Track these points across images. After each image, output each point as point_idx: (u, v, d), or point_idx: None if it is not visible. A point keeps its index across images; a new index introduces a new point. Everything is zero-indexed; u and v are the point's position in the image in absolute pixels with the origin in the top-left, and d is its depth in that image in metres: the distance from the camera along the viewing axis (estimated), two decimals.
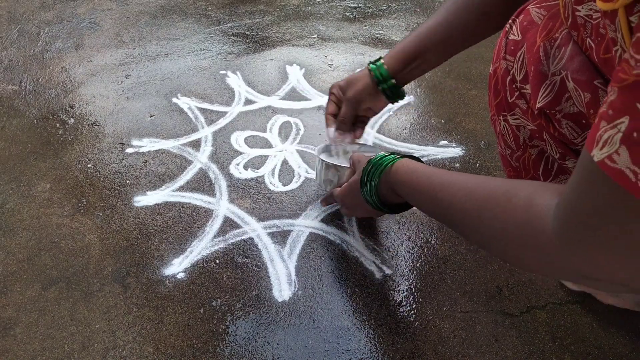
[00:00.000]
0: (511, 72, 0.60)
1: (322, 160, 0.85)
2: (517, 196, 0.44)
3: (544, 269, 0.44)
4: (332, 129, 0.90)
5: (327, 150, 0.93)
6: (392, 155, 0.68)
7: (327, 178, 0.86)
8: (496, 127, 0.68)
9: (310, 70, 1.37)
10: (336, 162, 0.85)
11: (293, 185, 1.00)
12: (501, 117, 0.65)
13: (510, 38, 0.60)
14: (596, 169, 0.34)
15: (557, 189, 0.42)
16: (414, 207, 0.68)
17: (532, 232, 0.42)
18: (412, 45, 0.81)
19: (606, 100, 0.34)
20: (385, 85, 0.83)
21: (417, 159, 0.67)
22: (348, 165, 0.81)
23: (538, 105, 0.54)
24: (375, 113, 0.91)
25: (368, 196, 0.70)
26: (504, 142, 0.67)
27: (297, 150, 1.09)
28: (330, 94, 0.90)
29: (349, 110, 0.88)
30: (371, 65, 0.84)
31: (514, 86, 0.59)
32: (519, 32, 0.58)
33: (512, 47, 0.59)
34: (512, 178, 0.70)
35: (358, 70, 0.90)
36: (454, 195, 0.52)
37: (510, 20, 0.61)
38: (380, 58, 0.85)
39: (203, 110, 1.21)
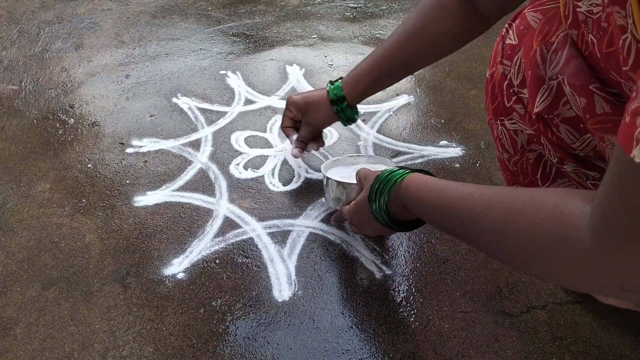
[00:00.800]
0: (508, 77, 0.59)
1: (328, 177, 0.84)
2: (543, 205, 0.41)
3: (581, 283, 0.41)
4: (295, 150, 0.96)
5: (334, 165, 0.92)
6: (401, 170, 0.65)
7: (335, 196, 0.84)
8: (494, 131, 0.68)
9: (310, 70, 1.37)
10: (343, 179, 0.83)
11: (293, 185, 1.00)
12: (499, 122, 0.64)
13: (506, 42, 0.60)
14: (639, 169, 0.31)
15: (587, 195, 0.39)
16: (427, 223, 0.65)
17: (565, 243, 0.39)
18: (369, 72, 0.85)
19: (637, 94, 0.32)
20: (344, 115, 0.90)
21: (428, 173, 0.64)
22: (355, 182, 0.78)
23: (536, 110, 0.54)
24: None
25: (377, 214, 0.67)
26: (501, 147, 0.67)
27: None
28: (287, 109, 0.95)
29: (310, 134, 0.95)
30: (331, 91, 0.89)
31: (511, 90, 0.59)
32: (516, 37, 0.58)
33: (509, 52, 0.59)
34: (510, 182, 0.70)
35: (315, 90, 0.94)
36: (472, 208, 0.49)
37: (506, 25, 0.61)
38: (337, 81, 0.89)
39: (203, 110, 1.21)
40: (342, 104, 0.88)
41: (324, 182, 0.86)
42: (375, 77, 0.84)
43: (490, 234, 0.47)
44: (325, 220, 0.92)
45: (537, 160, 0.62)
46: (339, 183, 0.82)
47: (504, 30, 0.61)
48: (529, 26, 0.56)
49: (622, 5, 0.37)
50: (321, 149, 1.09)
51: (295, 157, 0.98)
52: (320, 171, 0.91)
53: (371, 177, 0.69)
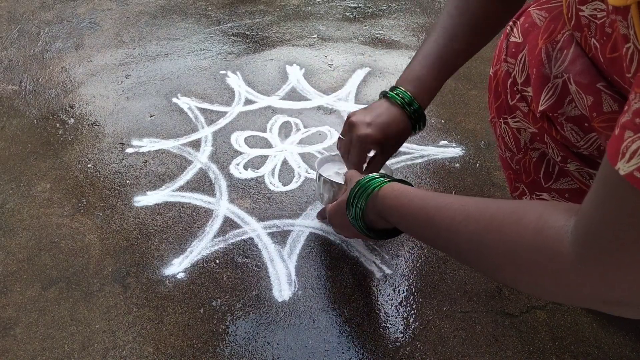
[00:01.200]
0: (512, 75, 0.59)
1: (319, 174, 0.83)
2: (525, 217, 0.41)
3: (564, 295, 0.40)
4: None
5: (331, 160, 0.89)
6: (381, 178, 0.62)
7: (322, 192, 0.83)
8: (496, 129, 0.67)
9: (310, 70, 1.37)
10: (338, 179, 0.82)
11: (293, 185, 1.00)
12: (502, 120, 0.64)
13: (511, 40, 0.59)
14: (623, 182, 0.31)
15: (570, 208, 0.39)
16: (404, 234, 0.64)
17: (548, 256, 0.38)
18: (432, 78, 0.73)
19: (628, 109, 0.32)
20: (417, 124, 0.75)
21: (408, 183, 0.62)
22: (342, 182, 0.75)
23: (540, 108, 0.53)
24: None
25: (353, 220, 0.65)
26: (504, 145, 0.67)
27: (297, 151, 1.09)
28: (365, 148, 0.74)
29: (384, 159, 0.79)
30: (406, 107, 0.73)
31: (515, 89, 0.59)
32: (520, 34, 0.57)
33: (513, 50, 0.58)
34: (512, 181, 0.69)
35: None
36: (452, 219, 0.48)
37: (510, 22, 0.61)
38: (404, 92, 0.73)
39: (203, 110, 1.21)
40: (413, 105, 0.73)
41: (316, 176, 0.85)
42: (435, 71, 0.73)
43: (470, 244, 0.46)
44: (325, 220, 0.92)
45: (540, 158, 0.61)
46: (325, 181, 0.81)
47: (508, 28, 0.60)
48: (534, 24, 0.56)
49: (624, 15, 0.37)
50: (321, 148, 1.10)
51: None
52: (314, 163, 0.88)
53: (353, 180, 0.66)
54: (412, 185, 0.61)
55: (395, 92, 0.73)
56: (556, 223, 0.38)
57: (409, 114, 0.72)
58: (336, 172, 0.86)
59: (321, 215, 0.87)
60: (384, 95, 0.75)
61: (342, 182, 0.76)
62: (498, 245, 0.43)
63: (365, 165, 0.77)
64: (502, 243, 0.42)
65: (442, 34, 0.72)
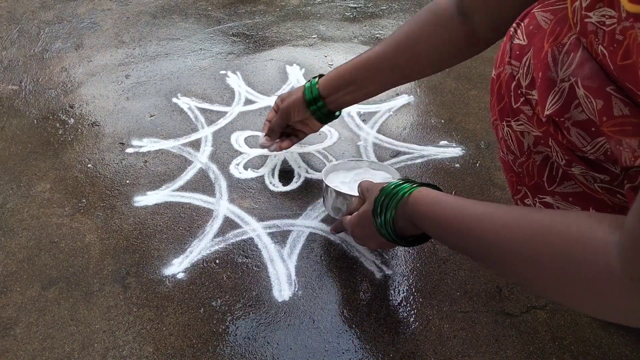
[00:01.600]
0: (516, 78, 0.58)
1: (327, 186, 0.82)
2: (568, 229, 0.40)
3: (614, 313, 0.39)
4: (262, 134, 0.97)
5: (334, 170, 0.89)
6: (408, 184, 0.62)
7: (335, 206, 0.82)
8: (498, 132, 0.66)
9: (310, 70, 1.37)
10: (344, 185, 0.82)
11: (293, 185, 1.00)
12: (504, 123, 0.63)
13: (515, 42, 0.58)
14: None
15: (615, 221, 0.38)
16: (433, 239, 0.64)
17: (594, 271, 0.37)
18: (350, 72, 0.83)
19: None
20: (315, 106, 0.88)
21: (435, 187, 0.62)
22: (357, 194, 0.77)
23: (547, 112, 0.52)
24: (312, 130, 0.97)
25: (382, 228, 0.65)
26: (506, 148, 0.66)
27: (297, 151, 1.09)
28: (275, 103, 0.96)
29: (279, 120, 0.94)
30: (306, 82, 0.89)
31: (519, 92, 0.58)
32: (525, 37, 0.56)
33: (518, 52, 0.57)
34: (514, 184, 0.68)
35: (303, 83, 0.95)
36: (491, 229, 0.47)
37: (514, 24, 0.59)
38: (319, 76, 0.88)
39: (203, 110, 1.22)
40: (317, 102, 0.88)
41: (323, 188, 0.85)
42: (351, 78, 0.84)
43: (511, 256, 0.45)
44: (326, 220, 0.92)
45: (544, 162, 0.60)
46: (339, 193, 0.80)
47: (512, 29, 0.59)
48: (539, 26, 0.55)
49: None
50: (321, 148, 1.09)
51: (261, 146, 0.99)
52: (321, 175, 0.89)
53: (375, 190, 0.67)
54: (440, 189, 0.61)
55: (311, 81, 0.88)
56: (600, 237, 0.37)
57: (307, 102, 0.88)
58: (341, 181, 0.85)
59: (336, 229, 0.85)
60: (307, 81, 0.89)
61: (355, 194, 0.77)
62: (541, 257, 0.42)
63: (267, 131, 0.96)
64: (545, 255, 0.41)
65: (380, 45, 0.81)
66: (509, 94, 0.60)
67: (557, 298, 0.44)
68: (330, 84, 0.86)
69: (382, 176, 0.87)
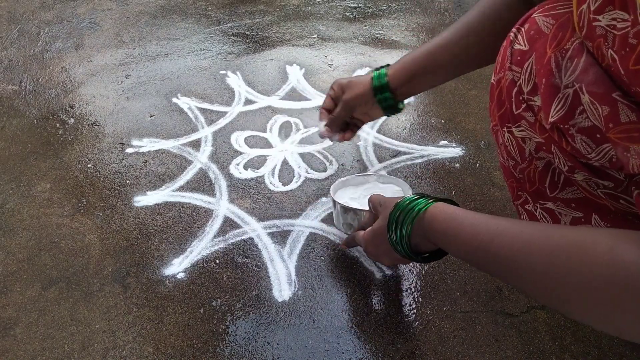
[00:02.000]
0: (517, 84, 0.57)
1: (337, 203, 0.80)
2: (594, 248, 0.39)
3: None
4: (322, 123, 0.90)
5: (342, 186, 0.87)
6: (423, 199, 0.61)
7: (345, 222, 0.81)
8: (498, 138, 0.65)
9: (310, 70, 1.37)
10: (353, 200, 0.81)
11: (293, 185, 1.00)
12: (505, 129, 0.62)
13: (515, 48, 0.57)
14: None
15: None
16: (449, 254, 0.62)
17: (626, 292, 0.36)
18: (420, 60, 0.79)
19: None
20: (382, 95, 0.83)
21: (452, 202, 0.61)
22: (367, 209, 0.75)
23: (551, 119, 0.51)
24: (371, 119, 0.92)
25: (397, 245, 0.63)
26: (507, 154, 0.65)
27: (298, 151, 1.09)
28: (330, 89, 0.89)
29: (343, 112, 0.88)
30: (374, 71, 0.83)
31: (520, 98, 0.57)
32: (526, 42, 0.55)
33: (519, 58, 0.56)
34: (514, 189, 0.67)
35: (365, 71, 0.90)
36: (510, 247, 0.46)
37: (514, 29, 0.58)
38: (386, 66, 0.83)
39: (203, 110, 1.22)
40: (384, 92, 0.83)
41: (333, 205, 0.83)
42: (422, 66, 0.80)
43: (533, 275, 0.44)
44: (325, 220, 0.92)
45: (546, 168, 0.60)
46: (348, 209, 0.79)
47: (512, 34, 0.58)
48: (541, 31, 0.53)
49: None
50: (321, 148, 1.09)
51: (322, 136, 0.92)
52: (330, 192, 0.86)
53: (389, 205, 0.65)
54: (456, 203, 0.60)
55: (378, 70, 0.84)
56: (630, 256, 0.36)
57: (375, 88, 0.83)
58: (350, 197, 0.84)
59: (348, 244, 0.82)
60: (373, 70, 0.85)
61: (366, 209, 0.75)
62: (566, 278, 0.40)
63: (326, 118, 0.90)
64: (570, 276, 0.40)
65: (445, 33, 0.77)
66: (510, 100, 0.59)
67: (583, 318, 0.42)
68: (400, 75, 0.82)
69: (391, 189, 0.85)
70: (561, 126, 0.51)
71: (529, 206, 0.66)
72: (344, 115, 0.88)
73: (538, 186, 0.62)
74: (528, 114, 0.56)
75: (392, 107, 0.86)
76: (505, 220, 0.50)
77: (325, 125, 0.90)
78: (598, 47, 0.45)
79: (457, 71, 0.83)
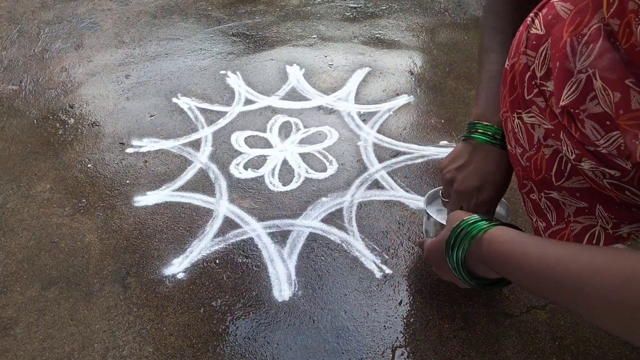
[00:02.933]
0: (531, 68, 0.57)
1: (426, 211, 0.78)
2: None
3: None
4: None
5: (436, 196, 0.82)
6: (486, 222, 0.58)
7: (427, 229, 0.80)
8: (507, 124, 0.65)
9: (310, 70, 1.37)
10: (440, 217, 0.78)
11: (293, 185, 1.00)
12: (515, 115, 0.62)
13: (532, 32, 0.57)
14: None
15: None
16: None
17: None
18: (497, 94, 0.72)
19: None
20: (498, 142, 0.73)
21: (514, 227, 0.58)
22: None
23: (562, 103, 0.51)
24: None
25: (453, 262, 0.61)
26: (515, 141, 0.64)
27: (298, 151, 1.09)
28: (460, 198, 0.74)
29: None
30: (490, 140, 0.72)
31: (533, 82, 0.57)
32: (542, 27, 0.55)
33: (534, 42, 0.56)
34: (521, 177, 0.67)
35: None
36: (580, 273, 0.44)
37: (532, 14, 0.58)
38: (479, 124, 0.73)
39: (203, 110, 1.22)
40: (498, 135, 0.73)
41: (423, 211, 0.80)
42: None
43: (604, 303, 0.42)
44: (325, 220, 0.92)
45: (553, 156, 0.59)
46: (433, 220, 0.77)
47: (529, 19, 0.58)
48: (558, 16, 0.53)
49: None
50: (321, 148, 1.10)
51: None
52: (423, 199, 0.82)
53: (456, 221, 0.62)
54: (520, 229, 0.58)
55: (479, 132, 0.72)
56: None
57: (501, 145, 0.71)
58: (442, 207, 0.81)
59: (419, 244, 0.79)
60: (469, 137, 0.73)
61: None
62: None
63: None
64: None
65: (495, 54, 0.72)
66: (522, 85, 0.59)
67: None
68: (493, 111, 0.73)
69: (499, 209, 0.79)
70: (572, 110, 0.51)
71: (533, 195, 0.66)
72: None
73: (544, 174, 0.62)
74: (539, 99, 0.57)
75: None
76: (570, 245, 0.48)
77: None
78: (628, 24, 0.44)
79: None
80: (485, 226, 0.58)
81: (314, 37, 1.53)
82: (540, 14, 0.57)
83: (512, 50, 0.62)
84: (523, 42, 0.58)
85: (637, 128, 0.44)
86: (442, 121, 1.17)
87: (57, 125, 1.18)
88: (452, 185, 0.74)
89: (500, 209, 0.80)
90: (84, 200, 0.97)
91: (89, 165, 1.05)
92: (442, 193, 0.77)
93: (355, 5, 1.73)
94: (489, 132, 0.72)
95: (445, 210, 0.79)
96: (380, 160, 1.06)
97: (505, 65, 0.63)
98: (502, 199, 0.75)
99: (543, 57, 0.55)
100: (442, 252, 0.64)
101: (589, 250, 0.46)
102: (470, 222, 0.60)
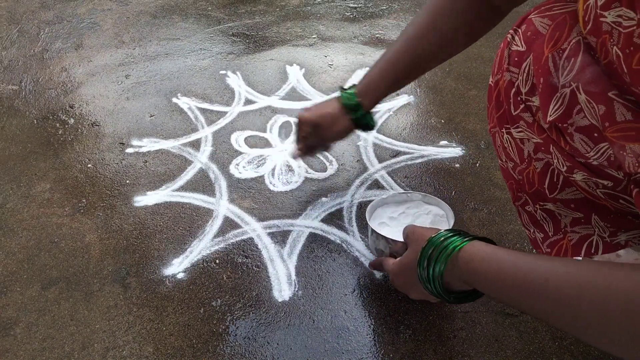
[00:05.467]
0: (516, 84, 0.57)
1: (371, 227, 0.77)
2: None
3: None
4: (297, 153, 0.94)
5: (382, 204, 0.84)
6: (459, 237, 0.58)
7: (377, 247, 0.78)
8: (496, 140, 0.65)
9: (310, 70, 1.37)
10: (387, 230, 0.77)
11: (293, 185, 1.00)
12: (504, 130, 0.62)
13: (513, 49, 0.57)
14: None
15: None
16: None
17: None
18: (387, 80, 0.81)
19: None
20: (363, 122, 0.86)
21: (489, 241, 0.58)
22: (401, 239, 0.71)
23: (549, 118, 0.51)
24: (339, 138, 0.93)
25: (429, 284, 0.60)
26: (505, 155, 0.64)
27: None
28: (300, 129, 0.89)
29: (319, 146, 0.93)
30: (345, 99, 0.84)
31: (518, 98, 0.57)
32: (523, 43, 0.56)
33: (516, 58, 0.57)
34: (515, 190, 0.67)
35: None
36: (559, 289, 0.43)
37: (511, 31, 0.59)
38: (350, 88, 0.85)
39: (203, 110, 1.22)
40: (358, 112, 0.84)
41: (368, 229, 0.79)
42: (391, 81, 0.81)
43: (588, 319, 0.41)
44: (325, 220, 0.92)
45: (545, 168, 0.59)
46: (380, 236, 0.75)
47: (509, 36, 0.59)
48: (538, 32, 0.54)
49: None
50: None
51: (294, 158, 0.98)
52: (366, 211, 0.82)
53: (422, 239, 0.62)
54: (493, 242, 0.57)
55: (344, 91, 0.85)
56: None
57: (348, 109, 0.84)
58: (389, 217, 0.81)
59: (374, 266, 0.80)
60: (339, 89, 0.86)
61: (400, 239, 0.71)
62: (627, 322, 0.38)
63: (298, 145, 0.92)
64: (631, 321, 0.38)
65: (405, 42, 0.79)
66: (508, 101, 0.59)
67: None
68: (370, 97, 0.84)
69: (435, 212, 0.81)
70: (560, 125, 0.51)
71: (529, 207, 0.65)
72: (312, 134, 0.89)
73: (537, 187, 0.62)
74: (526, 115, 0.57)
75: (369, 126, 0.88)
76: (550, 259, 0.47)
77: (298, 149, 0.93)
78: (603, 44, 0.45)
79: (416, 76, 0.85)
80: (459, 243, 0.56)
81: (314, 37, 1.53)
82: (519, 30, 0.57)
83: (494, 67, 0.62)
84: (505, 59, 0.58)
85: (623, 140, 0.44)
86: (442, 121, 1.17)
87: (57, 125, 1.18)
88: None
89: (439, 210, 0.81)
90: (84, 200, 0.97)
91: (89, 165, 1.05)
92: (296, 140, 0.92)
93: (355, 5, 1.73)
94: (346, 94, 0.84)
95: (387, 224, 0.79)
96: (380, 160, 1.06)
97: (490, 82, 0.63)
98: (444, 202, 0.81)
99: (527, 74, 0.55)
100: (411, 274, 0.63)
101: (564, 262, 0.45)
102: (441, 239, 0.58)
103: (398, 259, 0.68)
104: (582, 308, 0.42)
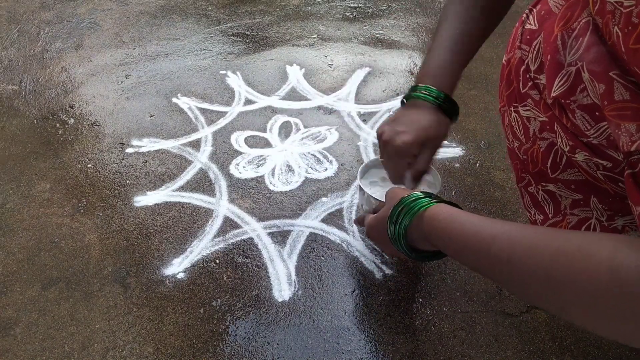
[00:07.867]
0: (525, 62, 0.59)
1: (360, 186, 0.79)
2: (597, 254, 0.38)
3: None
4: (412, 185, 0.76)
5: (375, 166, 0.83)
6: (427, 198, 0.59)
7: (360, 204, 0.81)
8: (505, 118, 0.67)
9: (310, 70, 1.37)
10: (379, 184, 0.79)
11: (293, 185, 1.00)
12: (512, 108, 0.64)
13: (526, 27, 0.60)
14: None
15: None
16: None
17: (627, 299, 0.35)
18: (460, 61, 0.72)
19: None
20: (447, 105, 0.72)
21: (456, 205, 0.58)
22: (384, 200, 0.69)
23: (553, 94, 0.53)
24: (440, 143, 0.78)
25: (395, 239, 0.62)
26: (512, 134, 0.66)
27: (298, 151, 1.09)
28: (405, 156, 0.72)
29: (430, 159, 0.76)
30: (420, 95, 0.71)
31: (527, 76, 0.59)
32: (536, 22, 0.58)
33: (528, 37, 0.59)
34: (519, 171, 0.69)
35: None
36: (511, 250, 0.44)
37: (527, 10, 0.61)
38: (421, 86, 0.71)
39: (203, 110, 1.22)
40: (447, 103, 0.71)
41: (357, 184, 0.80)
42: (464, 61, 0.72)
43: (533, 280, 0.43)
44: (325, 220, 0.92)
45: (548, 148, 0.61)
46: (368, 196, 0.76)
47: (524, 15, 0.61)
48: (551, 11, 0.56)
49: None
50: (321, 148, 1.10)
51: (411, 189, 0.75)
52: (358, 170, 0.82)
53: (396, 198, 0.63)
54: (461, 207, 0.58)
55: (417, 91, 0.71)
56: (632, 262, 0.36)
57: (439, 105, 0.70)
58: (382, 177, 0.81)
59: (359, 222, 0.80)
60: (407, 98, 0.72)
61: (383, 201, 0.70)
62: (567, 284, 0.40)
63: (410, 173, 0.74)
64: (571, 282, 0.39)
65: (455, 19, 0.71)
66: (518, 79, 0.61)
67: (585, 324, 0.41)
68: (450, 84, 0.72)
69: (426, 179, 0.79)
70: (563, 101, 0.53)
71: (531, 188, 0.67)
72: (420, 153, 0.74)
73: (540, 167, 0.64)
74: (534, 92, 0.58)
75: (457, 113, 0.75)
76: (508, 223, 0.49)
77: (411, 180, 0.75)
78: (606, 24, 0.46)
79: (478, 48, 0.75)
80: (425, 203, 0.58)
81: (314, 37, 1.53)
82: (534, 10, 0.59)
83: (508, 45, 0.64)
84: (518, 37, 0.61)
85: (619, 119, 0.45)
86: None
87: (57, 125, 1.18)
88: (381, 139, 0.72)
89: (431, 177, 0.80)
90: (84, 200, 0.97)
91: (89, 165, 1.05)
92: (380, 154, 0.75)
93: (355, 5, 1.73)
94: (424, 92, 0.70)
95: (378, 183, 0.80)
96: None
97: (503, 61, 0.65)
98: (433, 167, 0.75)
99: (536, 51, 0.57)
100: (382, 227, 0.65)
101: (524, 227, 0.47)
102: (411, 199, 0.60)
103: (374, 215, 0.69)
104: (525, 271, 0.43)
